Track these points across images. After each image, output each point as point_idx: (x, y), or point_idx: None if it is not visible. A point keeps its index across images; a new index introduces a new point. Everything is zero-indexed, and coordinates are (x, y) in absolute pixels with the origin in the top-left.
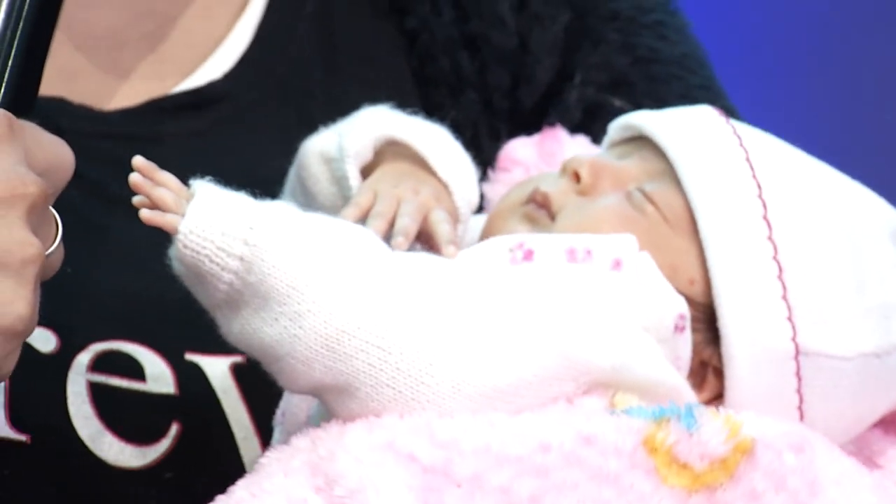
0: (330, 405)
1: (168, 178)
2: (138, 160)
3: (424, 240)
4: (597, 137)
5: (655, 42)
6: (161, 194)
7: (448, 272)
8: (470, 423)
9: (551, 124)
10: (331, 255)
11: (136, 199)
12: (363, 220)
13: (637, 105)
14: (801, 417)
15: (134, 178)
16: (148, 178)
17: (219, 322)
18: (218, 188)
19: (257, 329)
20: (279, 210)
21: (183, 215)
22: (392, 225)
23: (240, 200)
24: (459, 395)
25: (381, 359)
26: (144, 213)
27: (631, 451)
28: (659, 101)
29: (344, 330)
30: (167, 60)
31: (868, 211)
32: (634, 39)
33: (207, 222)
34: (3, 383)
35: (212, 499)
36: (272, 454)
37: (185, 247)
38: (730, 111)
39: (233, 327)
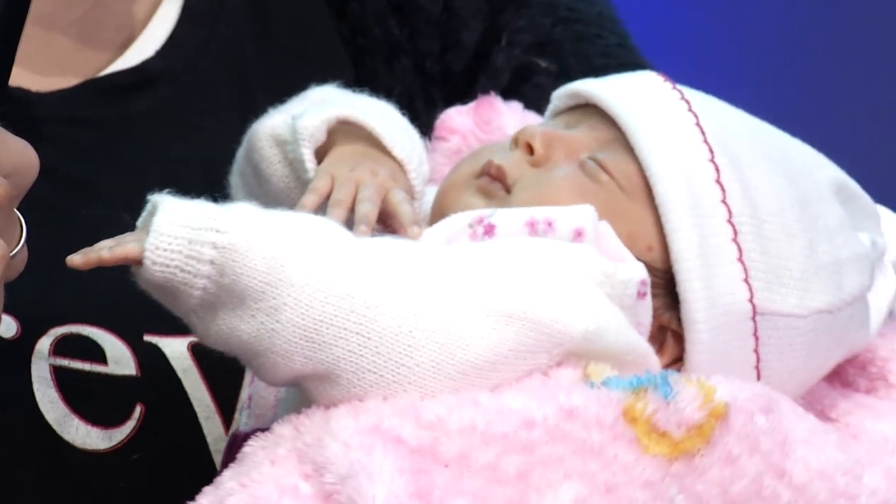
0: (311, 393)
1: (101, 243)
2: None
3: (384, 220)
4: (525, 98)
5: (574, 2)
6: (100, 245)
7: (416, 253)
8: (454, 402)
9: (483, 90)
10: (301, 248)
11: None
12: (323, 206)
13: (563, 65)
14: (759, 377)
15: (73, 260)
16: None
17: (194, 327)
18: (177, 199)
19: (234, 328)
20: (243, 210)
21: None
22: (352, 210)
23: (201, 207)
24: (440, 374)
25: (360, 344)
26: (105, 254)
27: (612, 422)
28: (583, 60)
29: (321, 319)
30: (96, 42)
31: (813, 169)
32: (554, 0)
33: (173, 234)
34: None
35: (178, 478)
36: (255, 443)
37: (154, 263)
38: (644, 67)
39: (210, 330)
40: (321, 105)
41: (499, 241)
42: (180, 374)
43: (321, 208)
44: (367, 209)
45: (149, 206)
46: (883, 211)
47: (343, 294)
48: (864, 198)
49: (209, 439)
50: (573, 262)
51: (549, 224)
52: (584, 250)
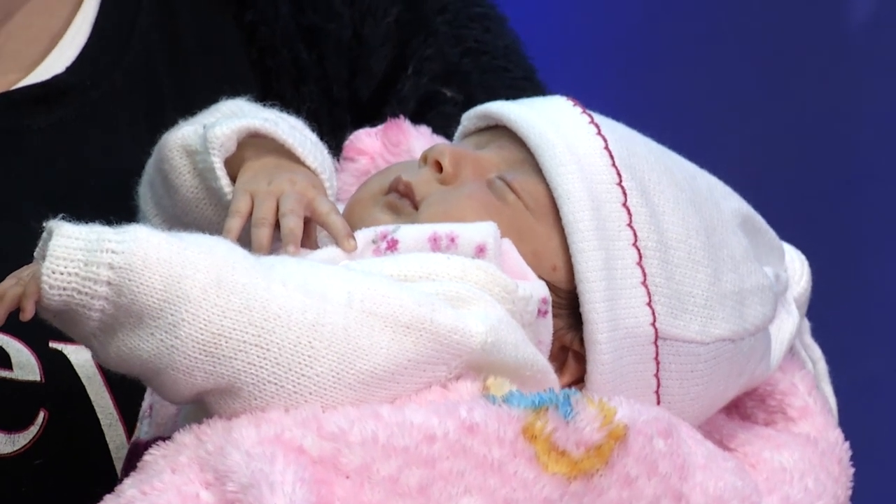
0: (213, 408)
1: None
2: None
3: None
4: (432, 126)
5: (482, 34)
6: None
7: (315, 266)
8: (356, 415)
9: (393, 115)
10: (197, 264)
11: None
12: (248, 226)
13: (469, 95)
14: (658, 401)
15: None
16: None
17: (94, 351)
18: (72, 225)
19: (134, 348)
20: (138, 230)
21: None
22: (278, 226)
23: (96, 230)
24: (340, 384)
25: (260, 356)
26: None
27: (512, 439)
28: (490, 91)
29: (220, 333)
30: (7, 56)
31: (719, 200)
32: (463, 31)
33: (68, 258)
34: None
35: (80, 484)
36: (156, 451)
37: (52, 287)
38: None
39: (110, 352)
40: (232, 116)
41: (401, 256)
42: (84, 381)
43: (246, 228)
44: (293, 224)
45: (45, 233)
46: (787, 248)
47: (241, 307)
48: (770, 233)
49: (111, 446)
50: (473, 276)
51: (452, 239)
52: (484, 266)
